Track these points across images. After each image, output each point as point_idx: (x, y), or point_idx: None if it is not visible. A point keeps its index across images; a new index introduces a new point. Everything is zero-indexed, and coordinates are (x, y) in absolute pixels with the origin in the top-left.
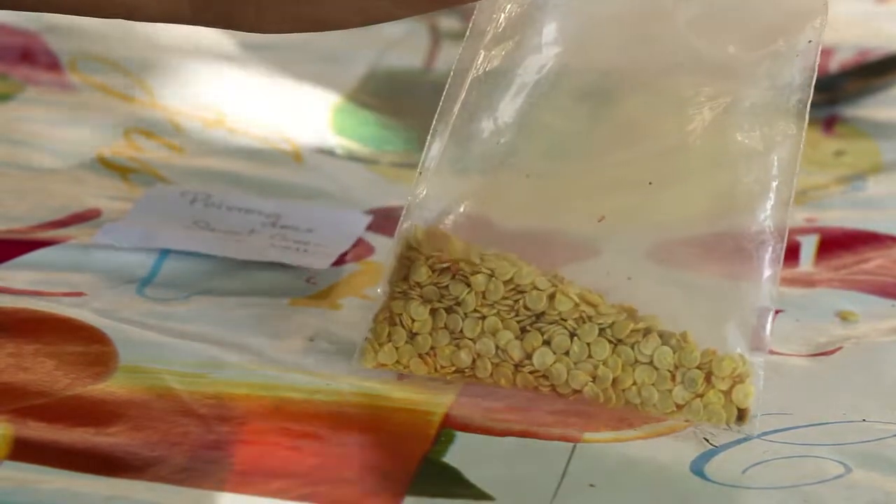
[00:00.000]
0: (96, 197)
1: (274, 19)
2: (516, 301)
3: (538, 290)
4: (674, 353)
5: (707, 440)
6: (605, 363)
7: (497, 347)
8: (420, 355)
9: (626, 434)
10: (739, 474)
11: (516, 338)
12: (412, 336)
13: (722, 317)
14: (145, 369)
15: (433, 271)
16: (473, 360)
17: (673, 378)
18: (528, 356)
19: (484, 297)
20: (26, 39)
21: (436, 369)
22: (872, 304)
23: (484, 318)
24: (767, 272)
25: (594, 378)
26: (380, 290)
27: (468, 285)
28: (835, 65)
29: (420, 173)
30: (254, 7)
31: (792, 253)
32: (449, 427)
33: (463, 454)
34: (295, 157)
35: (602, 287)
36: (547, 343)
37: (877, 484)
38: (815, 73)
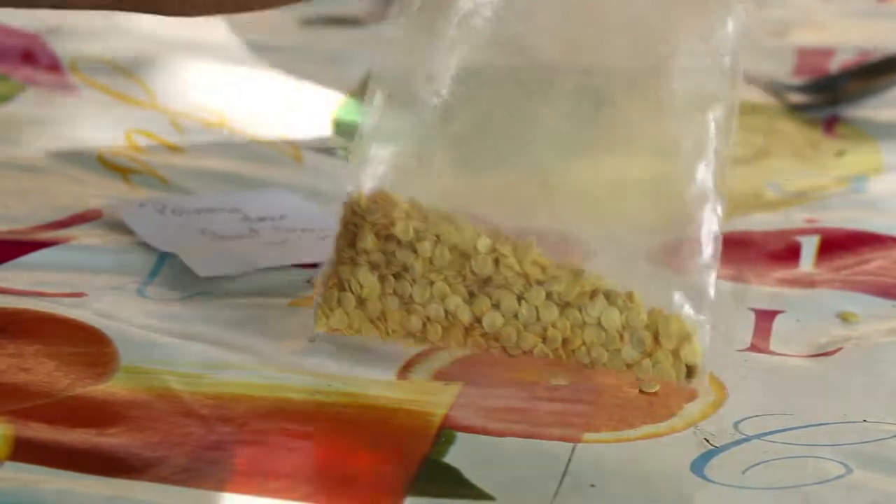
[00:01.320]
0: (97, 197)
1: (198, 3)
2: (463, 266)
3: (484, 254)
4: (621, 314)
5: (707, 441)
6: (553, 325)
7: (447, 312)
8: (371, 320)
9: (627, 434)
10: (740, 475)
11: (465, 302)
12: (361, 301)
13: (666, 277)
14: (146, 370)
15: (379, 238)
16: (424, 325)
17: (621, 338)
18: (478, 320)
19: (431, 263)
20: (27, 40)
21: (387, 333)
22: (873, 305)
23: (432, 283)
24: (708, 231)
25: (544, 339)
26: (328, 256)
27: (414, 251)
28: (835, 65)
29: (360, 136)
30: None
31: (792, 254)
32: (449, 427)
33: (463, 454)
34: (295, 158)
35: (547, 246)
36: (496, 306)
37: (877, 485)
38: (749, 34)
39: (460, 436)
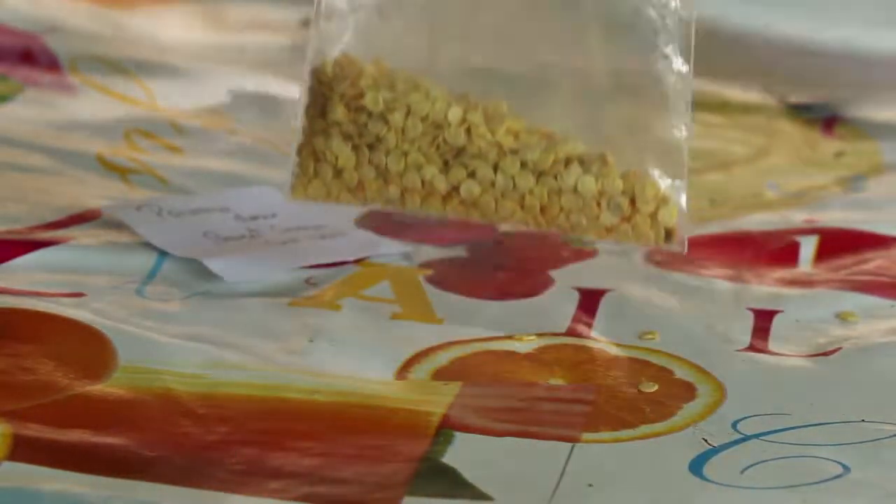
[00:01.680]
0: (96, 198)
1: None
2: (436, 136)
3: (456, 125)
4: (596, 180)
5: (706, 440)
6: (531, 193)
7: (423, 181)
8: (349, 189)
9: (625, 434)
10: (738, 474)
11: (440, 171)
12: (338, 172)
13: (639, 141)
14: (145, 370)
15: (349, 109)
16: (402, 193)
17: (598, 204)
18: (455, 188)
19: (403, 134)
20: (27, 40)
21: (365, 201)
22: (872, 305)
23: (406, 154)
24: (679, 94)
25: (522, 207)
26: (296, 124)
27: (386, 122)
28: None
29: (320, 3)
30: None
31: (791, 254)
32: (448, 427)
33: (462, 454)
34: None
35: (517, 106)
36: (471, 175)
37: (875, 484)
38: None
39: (459, 436)
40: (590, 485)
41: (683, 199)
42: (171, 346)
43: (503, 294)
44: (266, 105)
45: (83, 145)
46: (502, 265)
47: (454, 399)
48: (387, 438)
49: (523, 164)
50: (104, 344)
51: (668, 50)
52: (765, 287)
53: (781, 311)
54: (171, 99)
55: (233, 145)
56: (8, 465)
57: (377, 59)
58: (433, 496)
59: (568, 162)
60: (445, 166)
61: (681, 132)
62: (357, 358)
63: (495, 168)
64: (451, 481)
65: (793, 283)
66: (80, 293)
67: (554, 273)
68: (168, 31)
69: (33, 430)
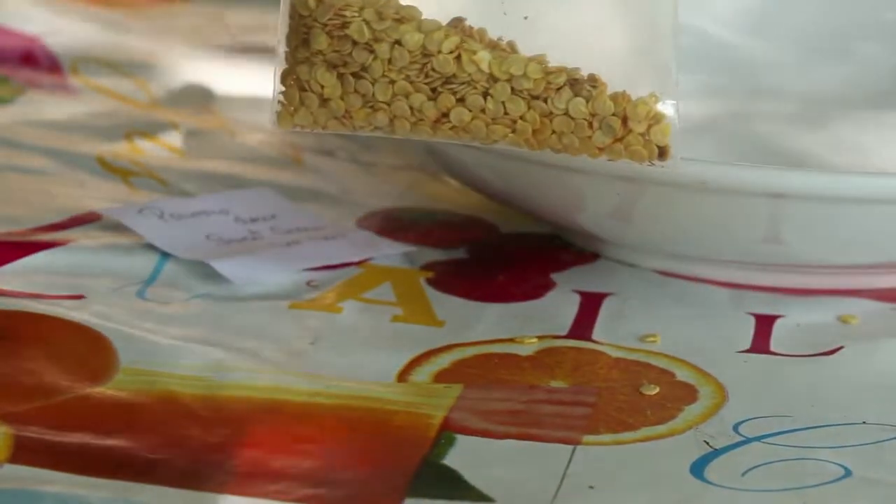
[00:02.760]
0: (97, 200)
1: None
2: (424, 65)
3: (444, 53)
4: (587, 102)
5: (707, 443)
6: (522, 118)
7: (412, 108)
8: (336, 118)
9: (626, 436)
10: (739, 477)
11: (429, 99)
12: (324, 101)
13: (629, 59)
14: (146, 372)
15: (332, 38)
16: (391, 120)
17: (591, 126)
18: (445, 114)
19: (390, 63)
20: (28, 42)
21: (354, 129)
22: (873, 308)
23: (393, 82)
24: (666, 12)
25: (513, 130)
26: (278, 51)
27: (372, 52)
28: None
29: None
30: None
31: None
32: (449, 429)
33: (463, 456)
34: (295, 159)
35: (504, 30)
36: (461, 102)
37: (877, 486)
38: None
39: (460, 438)
40: (591, 487)
41: (676, 116)
42: (172, 348)
43: (504, 297)
44: (268, 107)
45: (84, 147)
46: (503, 268)
47: (455, 401)
48: (388, 441)
49: (514, 90)
50: (105, 346)
51: None
52: (765, 293)
53: (783, 316)
54: (172, 101)
55: (234, 147)
56: (9, 467)
57: None
58: (434, 498)
59: (559, 88)
60: (434, 93)
61: (669, 50)
62: (358, 360)
63: (485, 95)
64: (453, 484)
65: (794, 290)
66: (81, 295)
67: (555, 276)
68: (169, 33)
69: (34, 433)
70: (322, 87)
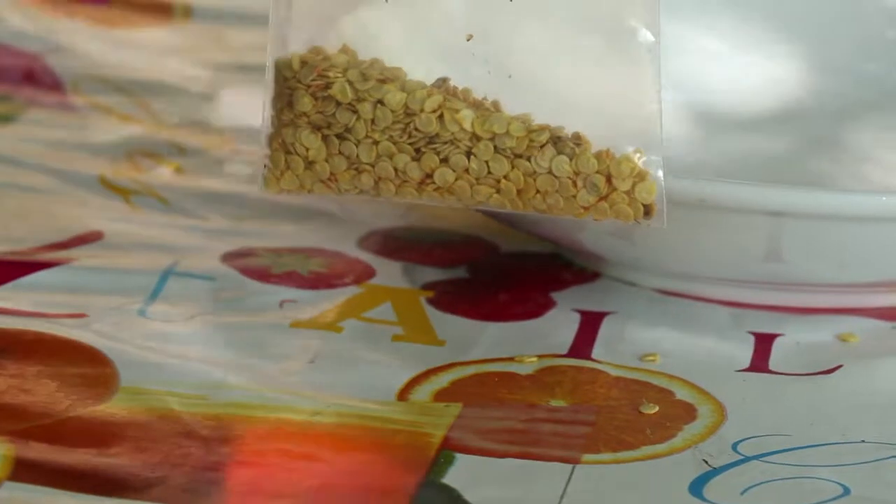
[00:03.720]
0: (98, 219)
1: None
2: (407, 124)
3: (427, 112)
4: (570, 160)
5: (706, 461)
6: (506, 177)
7: (396, 170)
8: (322, 181)
9: (625, 455)
10: (738, 495)
11: (413, 159)
12: (309, 163)
13: (614, 118)
14: (147, 391)
15: (316, 99)
16: (376, 182)
17: (575, 184)
18: (429, 175)
19: (373, 123)
20: (29, 61)
21: (339, 191)
22: (872, 327)
23: (377, 143)
24: (649, 69)
25: (498, 190)
26: (263, 116)
27: (355, 112)
28: None
29: None
30: None
31: None
32: (449, 448)
33: (462, 475)
34: None
35: (488, 89)
36: (444, 162)
37: None
38: None
39: (460, 457)
40: None
41: (661, 174)
42: (173, 366)
43: (504, 316)
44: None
45: (85, 166)
46: (504, 287)
47: (455, 420)
48: (388, 459)
49: (497, 149)
50: (106, 365)
51: (634, 22)
52: (765, 312)
53: (782, 335)
54: (173, 119)
55: (235, 165)
56: (9, 485)
57: (346, 47)
58: None
59: (542, 145)
60: (417, 154)
61: (653, 105)
62: (358, 379)
63: (468, 154)
64: (453, 502)
65: (793, 309)
66: (82, 314)
67: (555, 295)
68: (171, 52)
69: (35, 451)
70: (307, 149)
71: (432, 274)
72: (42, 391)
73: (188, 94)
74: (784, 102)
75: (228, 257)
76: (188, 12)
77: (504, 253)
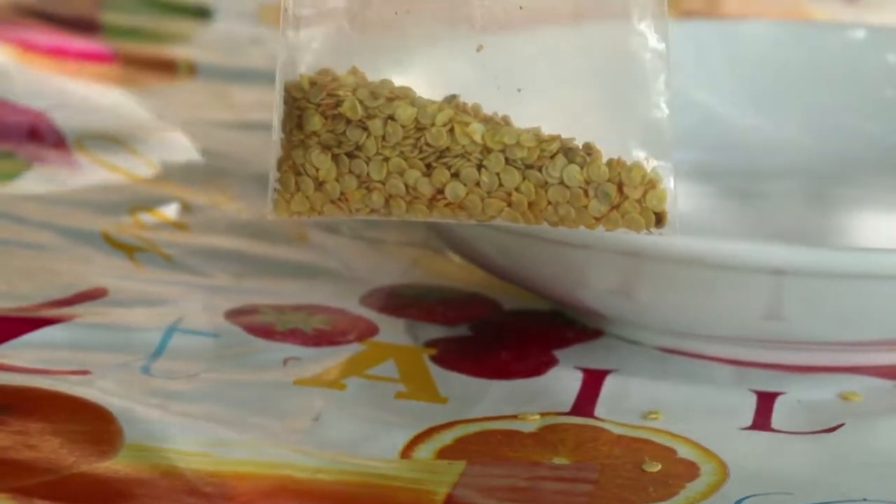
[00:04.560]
0: (102, 276)
1: None
2: (417, 139)
3: (438, 126)
4: (582, 169)
5: None
6: (517, 190)
7: (406, 186)
8: (332, 201)
9: None
10: None
11: (423, 175)
12: (320, 184)
13: (623, 126)
14: (150, 448)
15: (326, 118)
16: (386, 200)
17: (586, 194)
18: (440, 191)
19: (384, 140)
20: (33, 117)
21: (350, 212)
22: (875, 386)
23: (387, 159)
24: (658, 77)
25: (509, 204)
26: (274, 138)
27: (365, 129)
28: None
29: (286, 10)
30: None
31: None
32: None
33: None
34: (300, 236)
35: (498, 105)
36: (455, 176)
37: None
38: None
39: None
40: None
41: (672, 181)
42: (176, 423)
43: (507, 373)
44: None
45: (89, 223)
46: (506, 345)
47: (458, 478)
48: None
49: (508, 160)
50: (110, 421)
51: (643, 27)
52: (767, 370)
53: (784, 393)
54: (176, 176)
55: (239, 222)
56: None
57: (355, 69)
58: None
59: (553, 155)
60: (428, 169)
61: (661, 111)
62: (362, 436)
63: (479, 167)
64: None
65: (795, 367)
66: (86, 371)
67: (558, 352)
68: (175, 109)
69: None
70: (317, 169)
71: (435, 331)
72: (46, 448)
73: (192, 151)
74: (783, 160)
75: (232, 314)
76: (192, 70)
77: (506, 311)
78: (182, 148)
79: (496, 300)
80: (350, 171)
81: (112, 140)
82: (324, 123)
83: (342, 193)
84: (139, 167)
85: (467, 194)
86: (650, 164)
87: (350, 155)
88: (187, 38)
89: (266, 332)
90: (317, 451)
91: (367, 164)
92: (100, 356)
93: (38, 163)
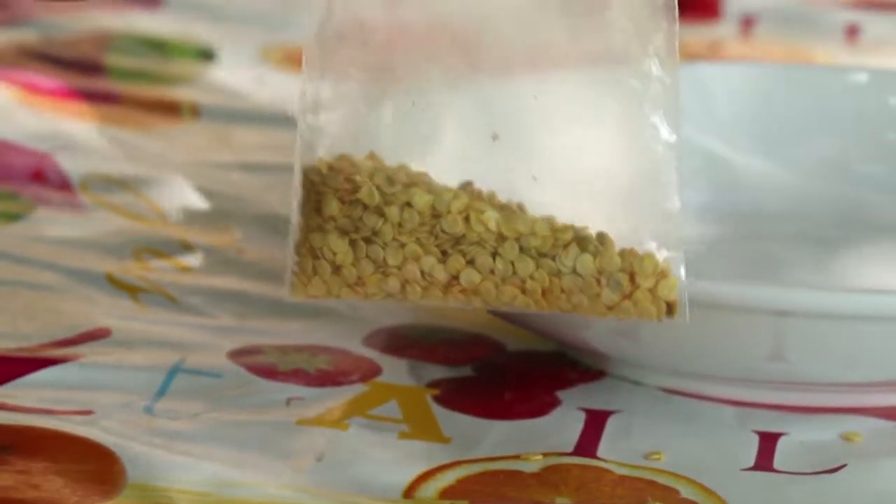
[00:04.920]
0: (106, 316)
1: None
2: (433, 226)
3: (454, 213)
4: (594, 258)
5: None
6: (531, 277)
7: (422, 272)
8: (348, 285)
9: None
10: None
11: (439, 261)
12: (337, 268)
13: (634, 216)
14: (153, 487)
15: (343, 203)
16: (402, 286)
17: (598, 283)
18: (455, 277)
19: (400, 226)
20: (38, 160)
21: (366, 296)
22: (877, 427)
23: (403, 245)
24: (669, 166)
25: (523, 291)
26: (292, 221)
27: (382, 215)
28: None
29: (304, 94)
30: None
31: None
32: None
33: None
34: None
35: (512, 192)
36: (470, 263)
37: None
38: None
39: None
40: None
41: (682, 270)
42: (179, 463)
43: (510, 414)
44: (271, 223)
45: (93, 264)
46: (509, 385)
47: None
48: None
49: (522, 249)
50: (113, 461)
51: (655, 119)
52: (769, 411)
53: (786, 434)
54: (180, 218)
55: (242, 264)
56: None
57: (373, 154)
58: None
59: (566, 244)
60: (444, 256)
61: (673, 203)
62: (364, 477)
63: (494, 254)
64: None
65: (798, 408)
66: (89, 410)
67: (561, 393)
68: (178, 151)
69: None
70: (335, 253)
71: (438, 372)
72: (49, 487)
73: (196, 193)
74: (787, 202)
75: (235, 354)
76: (196, 112)
77: (510, 351)
78: (186, 189)
79: (499, 341)
80: (367, 256)
81: (116, 182)
82: (341, 208)
83: (359, 278)
84: (143, 209)
85: (482, 281)
86: (662, 255)
87: (367, 240)
88: (191, 80)
89: (269, 373)
90: (320, 491)
91: (384, 249)
92: (103, 396)
93: (42, 204)
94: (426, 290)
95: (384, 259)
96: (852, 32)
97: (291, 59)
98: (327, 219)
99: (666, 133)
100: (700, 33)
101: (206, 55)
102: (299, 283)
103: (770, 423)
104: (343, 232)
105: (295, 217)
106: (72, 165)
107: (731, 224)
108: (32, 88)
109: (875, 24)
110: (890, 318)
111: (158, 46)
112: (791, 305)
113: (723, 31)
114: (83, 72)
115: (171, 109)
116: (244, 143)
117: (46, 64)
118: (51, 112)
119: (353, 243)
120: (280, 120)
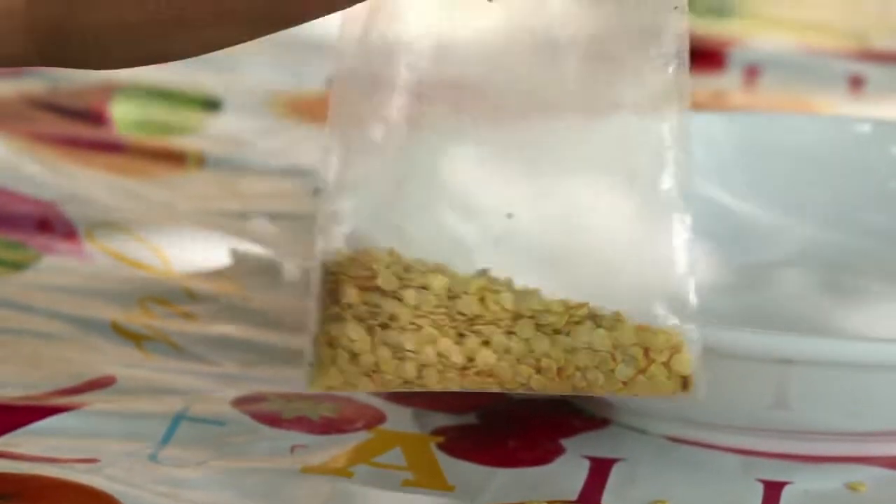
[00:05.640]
0: (111, 364)
1: (119, 57)
2: (450, 307)
3: (470, 294)
4: (609, 333)
5: None
6: (547, 355)
7: (439, 355)
8: (365, 373)
9: None
10: None
11: (455, 343)
12: (354, 357)
13: (646, 291)
14: None
15: (361, 290)
16: (419, 371)
17: (613, 359)
18: (471, 359)
19: (417, 309)
20: (44, 209)
21: (383, 384)
22: (882, 476)
23: (420, 328)
24: (680, 240)
25: (538, 370)
26: (310, 309)
27: (399, 300)
28: None
29: (324, 191)
30: (98, 50)
31: None
32: None
33: None
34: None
35: (527, 276)
36: (486, 344)
37: None
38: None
39: None
40: None
41: (697, 344)
42: None
43: (514, 462)
44: (276, 272)
45: (98, 312)
46: (514, 433)
47: None
48: None
49: (537, 327)
50: None
51: (668, 186)
52: (774, 460)
53: (791, 483)
54: (185, 266)
55: (247, 312)
56: None
57: (392, 250)
58: None
59: (580, 321)
60: (460, 338)
61: (686, 276)
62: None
63: (509, 334)
64: None
65: (802, 457)
66: (94, 459)
67: (565, 441)
68: (183, 200)
69: None
70: (352, 341)
71: (442, 419)
72: None
73: (201, 242)
74: (792, 250)
75: (239, 402)
76: (201, 161)
77: (514, 399)
78: (191, 238)
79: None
80: (384, 343)
81: (121, 230)
82: (359, 295)
83: (376, 364)
84: (148, 257)
85: (497, 361)
86: (676, 328)
87: (384, 326)
88: (196, 129)
89: (273, 420)
90: None
91: (401, 334)
92: (108, 444)
93: (48, 253)
94: (442, 373)
95: (401, 343)
96: (856, 83)
97: (297, 109)
98: (345, 307)
99: (679, 207)
100: (705, 83)
101: (212, 105)
102: (317, 374)
103: (775, 472)
104: (360, 319)
105: (313, 308)
106: (77, 214)
107: (734, 272)
108: (38, 138)
109: (879, 74)
110: (894, 366)
111: (163, 96)
112: (795, 354)
113: (727, 81)
114: (89, 121)
115: (176, 158)
116: (249, 193)
117: (52, 113)
118: (56, 161)
119: (370, 330)
120: (285, 169)
